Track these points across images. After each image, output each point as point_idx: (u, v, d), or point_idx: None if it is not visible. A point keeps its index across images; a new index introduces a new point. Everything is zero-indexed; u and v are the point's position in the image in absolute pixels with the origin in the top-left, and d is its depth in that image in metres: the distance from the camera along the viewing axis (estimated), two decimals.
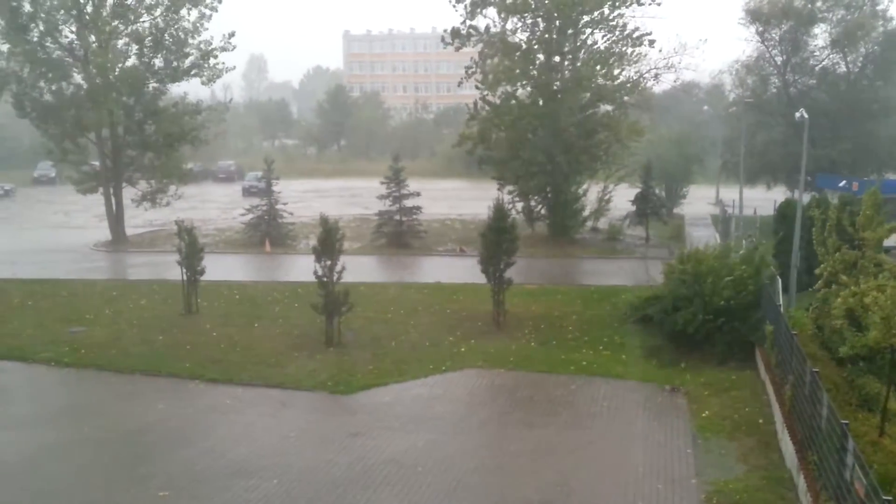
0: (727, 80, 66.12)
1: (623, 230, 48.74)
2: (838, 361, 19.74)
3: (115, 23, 45.54)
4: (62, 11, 44.13)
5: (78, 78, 46.29)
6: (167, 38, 46.28)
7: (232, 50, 47.43)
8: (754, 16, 55.23)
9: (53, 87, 45.49)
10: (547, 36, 47.29)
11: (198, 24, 46.38)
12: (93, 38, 44.94)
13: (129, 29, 46.10)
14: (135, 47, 46.39)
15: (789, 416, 18.23)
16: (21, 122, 51.42)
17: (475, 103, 48.41)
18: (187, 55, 46.80)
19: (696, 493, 16.21)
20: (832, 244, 22.41)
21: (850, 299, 18.82)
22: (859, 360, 19.07)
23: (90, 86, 44.88)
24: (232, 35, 47.18)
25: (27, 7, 43.52)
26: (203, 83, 48.20)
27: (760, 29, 55.62)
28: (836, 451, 13.76)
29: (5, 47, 44.26)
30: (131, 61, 46.48)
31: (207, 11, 46.36)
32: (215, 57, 46.99)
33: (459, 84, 49.90)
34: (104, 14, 44.92)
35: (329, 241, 26.03)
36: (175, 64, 46.81)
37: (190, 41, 46.67)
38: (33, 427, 19.92)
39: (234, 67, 48.65)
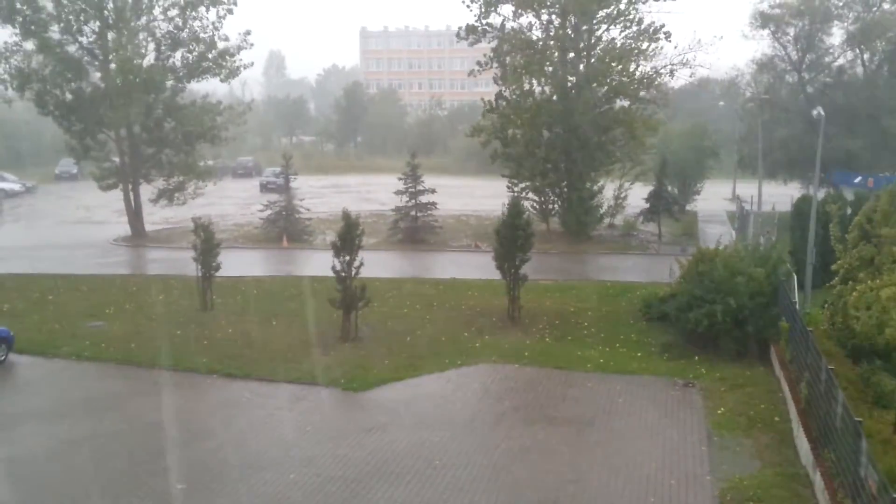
0: (743, 78, 65.80)
1: (636, 227, 48.75)
2: (854, 359, 19.72)
3: (137, 22, 45.94)
4: (84, 11, 44.45)
5: (97, 76, 46.66)
6: (184, 35, 46.67)
7: (250, 48, 47.85)
8: (765, 18, 54.96)
9: (74, 86, 45.84)
10: (562, 32, 47.28)
11: (217, 24, 46.85)
12: (113, 36, 45.27)
13: (148, 27, 46.45)
14: (152, 45, 46.75)
15: (804, 412, 18.25)
16: (43, 119, 51.85)
17: (494, 100, 48.45)
18: (205, 54, 47.12)
19: (710, 490, 16.26)
20: (854, 239, 22.35)
21: (868, 294, 18.83)
22: (875, 357, 19.05)
23: (110, 84, 45.24)
24: (248, 33, 47.68)
25: (49, 6, 43.89)
26: (221, 80, 48.50)
27: (773, 28, 55.33)
28: (850, 448, 13.79)
29: (27, 46, 44.64)
30: (150, 59, 46.80)
31: (224, 10, 46.78)
32: (232, 56, 47.34)
33: (470, 73, 49.80)
34: (126, 13, 45.29)
35: (349, 237, 26.18)
36: (191, 61, 47.17)
37: (206, 38, 47.02)
38: (53, 420, 20.17)
39: (252, 64, 48.89)
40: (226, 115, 49.55)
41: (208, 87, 50.91)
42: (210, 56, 47.13)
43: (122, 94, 44.34)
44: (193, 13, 46.34)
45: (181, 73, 47.55)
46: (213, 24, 46.79)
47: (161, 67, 46.67)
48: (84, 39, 45.70)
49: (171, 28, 46.45)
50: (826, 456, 15.60)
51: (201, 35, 46.89)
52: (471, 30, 48.07)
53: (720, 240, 30.75)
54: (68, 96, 46.00)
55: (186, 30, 46.70)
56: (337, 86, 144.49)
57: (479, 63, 48.90)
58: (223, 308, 30.59)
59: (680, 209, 52.08)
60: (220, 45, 47.22)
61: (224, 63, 47.31)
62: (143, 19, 46.31)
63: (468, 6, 47.77)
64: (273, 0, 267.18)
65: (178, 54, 47.27)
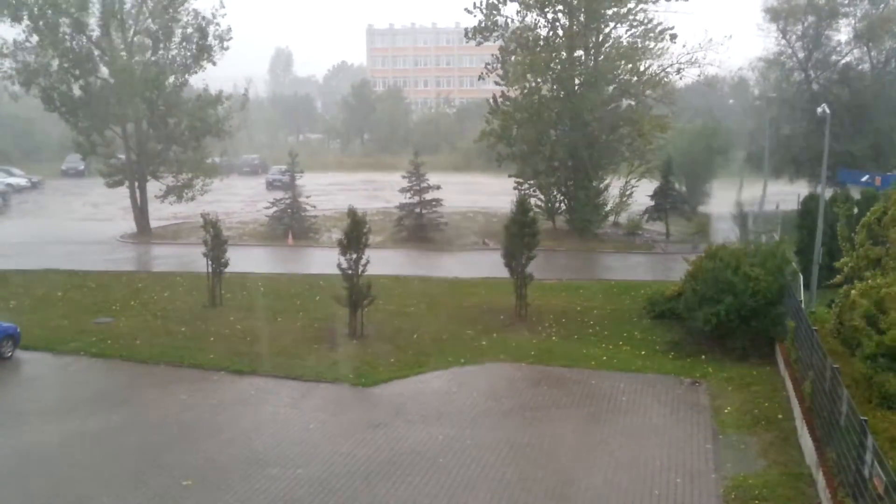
0: (750, 76, 65.71)
1: (642, 225, 48.65)
2: (859, 358, 19.67)
3: (141, 19, 46.13)
4: (86, 8, 44.62)
5: (105, 72, 46.76)
6: (175, 26, 46.84)
7: (224, 15, 47.95)
8: (774, 14, 54.82)
9: (81, 82, 45.96)
10: (570, 30, 47.27)
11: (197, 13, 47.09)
12: (115, 34, 45.42)
13: (145, 25, 46.55)
14: (149, 42, 46.81)
15: (809, 412, 18.25)
16: (49, 115, 51.97)
17: (494, 98, 48.66)
18: (195, 40, 47.17)
19: (715, 488, 16.28)
20: (861, 239, 22.28)
21: (872, 292, 18.80)
22: (879, 357, 19.01)
23: (115, 81, 45.36)
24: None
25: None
26: (214, 61, 48.19)
27: (782, 25, 55.19)
28: (854, 447, 13.78)
29: (34, 40, 44.74)
30: (149, 56, 46.85)
31: None
32: (215, 25, 47.37)
33: (480, 78, 49.99)
34: (124, 9, 45.48)
35: (355, 234, 26.23)
36: (188, 52, 47.25)
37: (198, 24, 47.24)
38: (60, 416, 20.28)
39: (231, 31, 48.42)
40: (227, 104, 49.50)
41: (212, 85, 50.71)
42: (198, 39, 47.10)
43: (126, 90, 44.43)
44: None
45: (179, 67, 47.60)
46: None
47: (160, 63, 46.74)
48: (91, 34, 45.77)
49: (162, 22, 46.52)
50: (829, 454, 15.61)
51: (190, 21, 47.12)
52: (477, 30, 48.22)
53: (727, 238, 30.67)
54: (76, 92, 46.10)
55: (174, 19, 46.81)
56: (344, 83, 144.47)
57: (487, 65, 49.13)
58: (230, 304, 30.70)
59: (690, 208, 51.94)
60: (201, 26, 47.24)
61: (212, 42, 47.29)
62: (138, 17, 46.38)
63: (471, 12, 47.99)
64: None
65: (175, 47, 47.31)
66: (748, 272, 24.84)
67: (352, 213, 26.66)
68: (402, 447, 18.27)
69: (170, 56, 47.46)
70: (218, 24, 47.34)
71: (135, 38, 46.64)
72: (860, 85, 54.58)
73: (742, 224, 44.92)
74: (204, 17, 47.04)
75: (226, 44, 48.02)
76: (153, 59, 46.95)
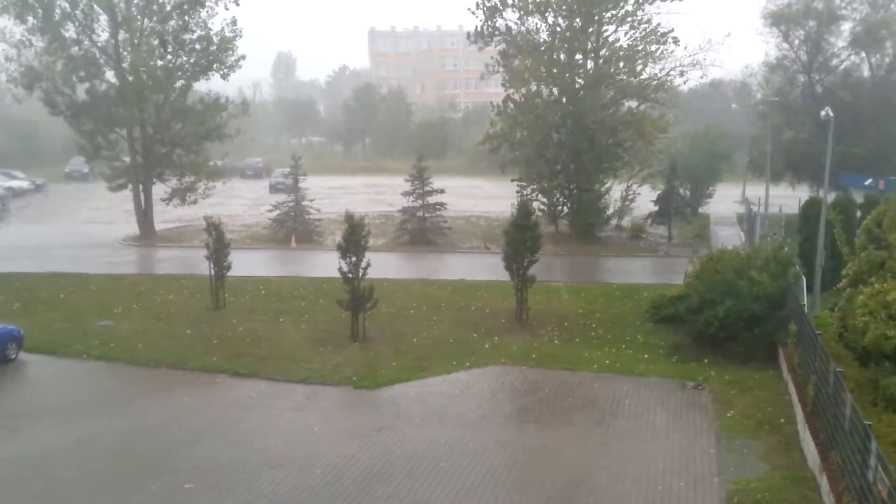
0: (752, 81, 65.68)
1: (646, 229, 48.63)
2: (862, 362, 19.65)
3: (148, 23, 46.23)
4: (96, 9, 44.74)
5: (110, 76, 46.84)
6: (188, 35, 46.89)
7: (241, 36, 47.89)
8: (775, 19, 54.83)
9: (86, 85, 46.01)
10: (569, 34, 47.30)
11: (210, 14, 47.16)
12: (125, 36, 45.50)
13: (158, 28, 46.61)
14: (159, 45, 46.89)
15: (811, 415, 18.22)
16: (54, 119, 52.04)
17: (503, 102, 48.70)
18: (207, 49, 47.24)
19: (718, 492, 16.24)
20: (862, 244, 22.24)
21: (871, 300, 18.75)
22: (884, 360, 18.96)
23: (122, 84, 45.44)
24: (235, 22, 47.63)
25: (63, 4, 44.12)
26: (222, 76, 48.44)
27: (784, 29, 55.20)
28: (858, 451, 13.74)
29: (39, 45, 44.85)
30: (158, 60, 46.90)
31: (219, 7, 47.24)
32: (230, 48, 47.42)
33: (481, 78, 50.26)
34: (135, 12, 45.54)
35: (354, 238, 26.24)
36: (198, 59, 47.30)
37: (207, 35, 47.31)
38: (63, 419, 20.29)
39: (245, 57, 48.65)
40: (230, 110, 49.58)
41: (216, 88, 50.81)
42: (212, 49, 47.17)
43: (133, 93, 44.52)
44: (198, 10, 46.54)
45: (189, 74, 47.67)
46: (209, 20, 47.27)
47: (171, 68, 46.79)
48: (97, 38, 45.89)
49: (177, 27, 46.58)
50: (832, 459, 15.57)
51: (204, 33, 47.14)
52: (479, 34, 48.33)
53: (728, 242, 30.63)
54: (81, 95, 46.16)
55: (191, 28, 46.85)
56: (347, 87, 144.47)
57: (487, 66, 49.25)
58: (233, 307, 30.72)
59: (692, 211, 51.87)
60: (216, 38, 47.30)
61: (225, 57, 47.37)
62: (154, 19, 46.44)
63: (473, 13, 48.05)
64: (282, 1, 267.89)
65: (185, 54, 47.33)
66: (751, 276, 24.82)
67: (349, 216, 26.68)
68: (404, 450, 18.26)
69: (178, 62, 47.56)
70: (232, 47, 47.62)
71: (142, 43, 46.74)
72: (862, 88, 54.54)
73: (744, 227, 44.93)
74: (218, 35, 47.25)
75: (239, 62, 48.32)
76: (160, 64, 47.00)
